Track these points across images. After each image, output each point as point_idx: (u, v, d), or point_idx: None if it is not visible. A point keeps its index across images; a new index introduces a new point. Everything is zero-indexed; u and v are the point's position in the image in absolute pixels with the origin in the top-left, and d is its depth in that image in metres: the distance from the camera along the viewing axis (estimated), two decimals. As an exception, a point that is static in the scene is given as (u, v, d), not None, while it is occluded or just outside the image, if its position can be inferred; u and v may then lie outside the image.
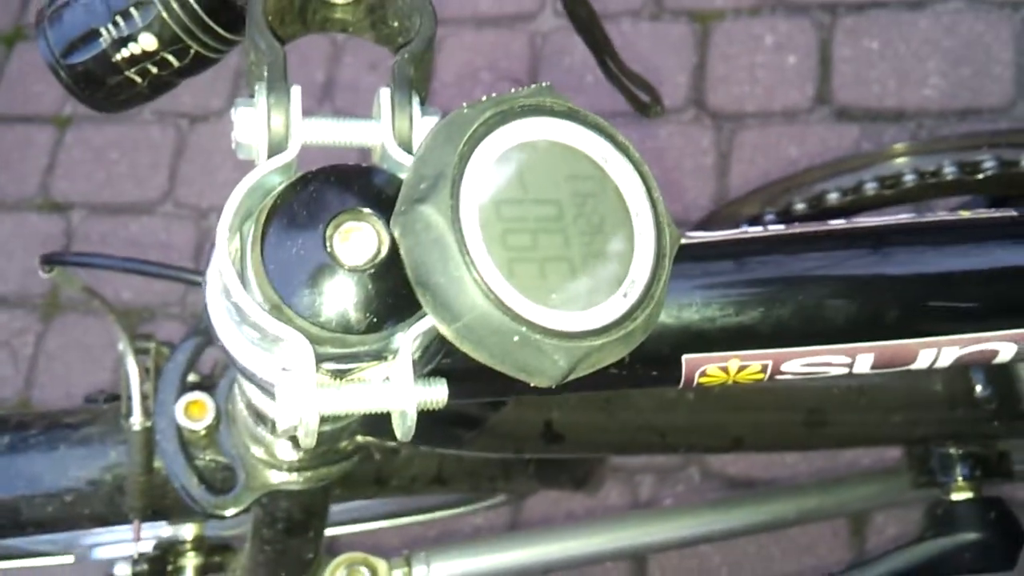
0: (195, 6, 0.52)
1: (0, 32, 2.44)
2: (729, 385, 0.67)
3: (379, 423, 0.60)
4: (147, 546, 0.91)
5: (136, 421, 0.73)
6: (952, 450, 0.79)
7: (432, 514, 1.53)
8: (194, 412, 0.67)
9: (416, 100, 0.45)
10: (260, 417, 0.59)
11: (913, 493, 0.83)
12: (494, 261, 0.38)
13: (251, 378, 0.44)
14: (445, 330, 0.39)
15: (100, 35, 0.52)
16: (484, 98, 0.41)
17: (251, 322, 0.41)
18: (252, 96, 0.44)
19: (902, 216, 0.52)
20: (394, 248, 0.40)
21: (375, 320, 0.41)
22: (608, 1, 2.04)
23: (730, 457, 1.67)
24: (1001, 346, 0.49)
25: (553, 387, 0.40)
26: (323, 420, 0.49)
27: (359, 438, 0.67)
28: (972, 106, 1.82)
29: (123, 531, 1.01)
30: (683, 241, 0.49)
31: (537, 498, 1.72)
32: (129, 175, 2.22)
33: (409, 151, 0.44)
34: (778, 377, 0.49)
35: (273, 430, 0.60)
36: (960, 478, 0.79)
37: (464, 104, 0.41)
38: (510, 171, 0.40)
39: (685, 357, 0.49)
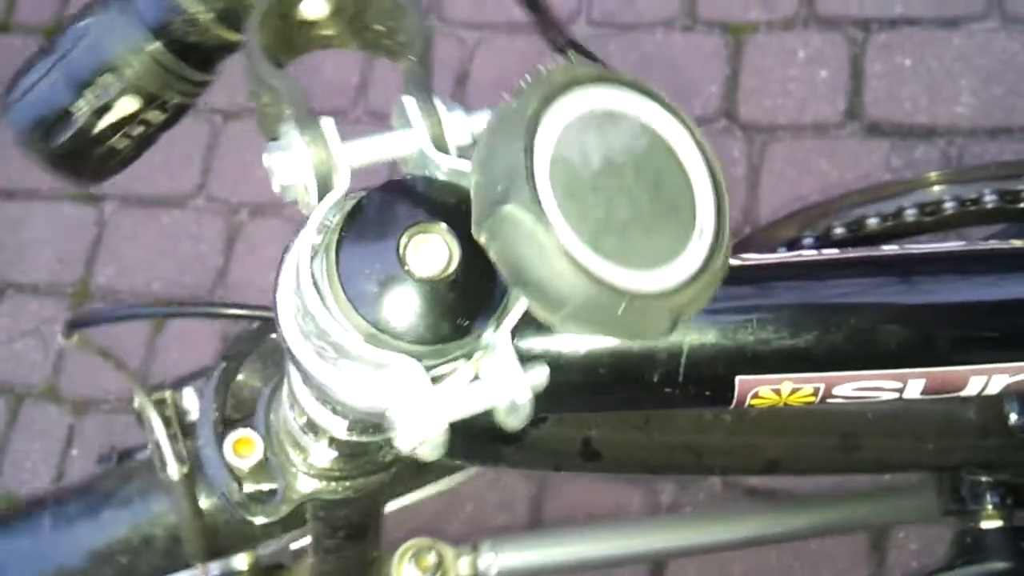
0: (165, 58, 0.51)
1: (41, 24, 2.46)
2: (767, 408, 0.68)
3: None
4: None
5: (174, 470, 0.73)
6: (983, 478, 0.80)
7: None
8: (242, 449, 0.68)
9: (438, 100, 0.46)
10: (312, 428, 0.60)
11: (941, 517, 0.84)
12: (583, 242, 0.39)
13: (355, 411, 0.45)
14: (552, 318, 0.40)
15: (73, 112, 0.52)
16: (522, 85, 0.41)
17: (354, 356, 0.41)
18: (277, 139, 0.44)
19: (954, 244, 0.53)
20: (466, 253, 0.41)
21: (466, 323, 0.42)
22: (642, 12, 2.06)
23: (752, 468, 1.68)
24: None
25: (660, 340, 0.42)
26: (367, 432, 0.51)
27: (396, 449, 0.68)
28: (1003, 125, 1.83)
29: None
30: (738, 263, 0.51)
31: (556, 499, 1.74)
32: (162, 168, 2.24)
33: (446, 151, 0.45)
34: (829, 400, 0.50)
35: (318, 437, 0.61)
36: (991, 506, 0.80)
37: (506, 97, 0.42)
38: (570, 150, 0.41)
39: (739, 378, 0.49)
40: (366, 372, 0.43)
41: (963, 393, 0.51)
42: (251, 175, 2.15)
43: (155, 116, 0.52)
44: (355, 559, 0.78)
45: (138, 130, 0.52)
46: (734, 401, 0.50)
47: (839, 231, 0.84)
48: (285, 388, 0.63)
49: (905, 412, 0.75)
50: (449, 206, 0.42)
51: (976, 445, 0.77)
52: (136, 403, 0.74)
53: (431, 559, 0.80)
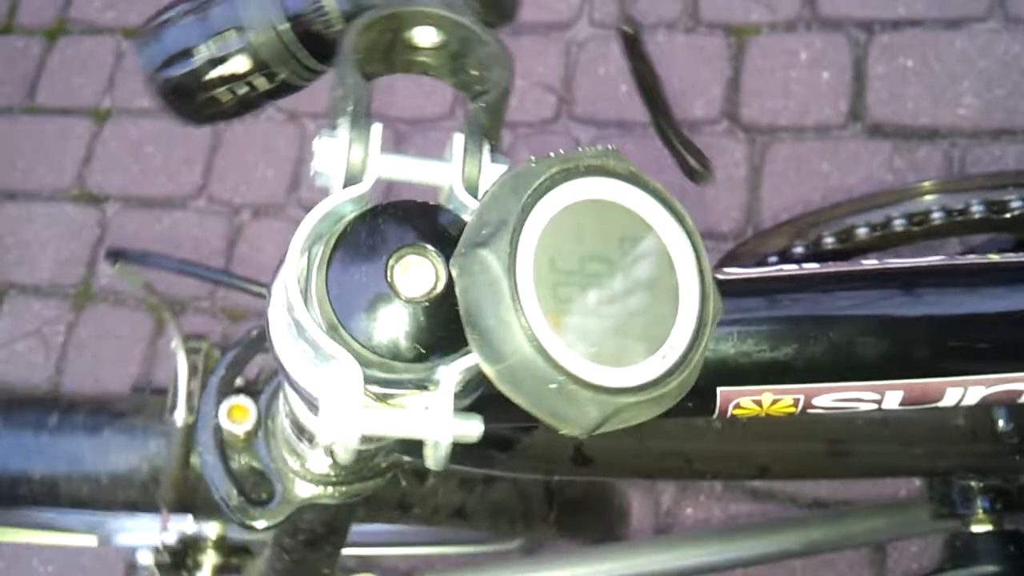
0: (288, 36, 0.54)
1: (42, 26, 2.47)
2: (758, 416, 0.68)
3: (415, 444, 0.62)
4: (171, 538, 0.93)
5: (179, 417, 0.76)
6: (973, 483, 0.80)
7: (446, 548, 1.55)
8: (236, 415, 0.69)
9: (487, 148, 0.47)
10: (300, 430, 0.60)
11: (933, 525, 0.84)
12: (542, 310, 0.40)
13: (299, 391, 0.46)
14: (488, 370, 0.41)
15: (194, 54, 0.54)
16: (552, 154, 0.43)
17: (308, 338, 0.43)
18: (334, 128, 0.46)
19: (933, 258, 0.53)
20: (449, 285, 0.42)
21: (423, 351, 0.43)
22: (644, 13, 2.05)
23: (752, 471, 1.68)
24: None
25: (581, 437, 0.41)
26: (362, 439, 0.51)
27: (394, 456, 0.68)
28: (1006, 127, 1.82)
29: (148, 521, 1.03)
30: (721, 277, 0.51)
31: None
32: (164, 169, 2.25)
33: (475, 195, 0.46)
34: (809, 411, 0.50)
35: (312, 444, 0.61)
36: (980, 511, 0.80)
37: (532, 158, 0.43)
38: (568, 226, 0.42)
39: (720, 389, 0.50)
40: (316, 359, 0.44)
41: (941, 404, 0.51)
42: (252, 177, 2.15)
43: (261, 83, 0.54)
44: (308, 567, 0.79)
45: (243, 90, 0.54)
46: (716, 411, 0.50)
47: (829, 240, 0.84)
48: (281, 395, 0.63)
49: (894, 419, 0.75)
50: (451, 240, 0.43)
51: (965, 451, 0.77)
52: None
53: None
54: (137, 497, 0.79)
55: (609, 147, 0.44)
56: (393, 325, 0.43)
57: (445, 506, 0.90)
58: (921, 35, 1.91)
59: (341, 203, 0.44)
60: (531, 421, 0.42)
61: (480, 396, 0.46)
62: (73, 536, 1.29)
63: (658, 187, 0.44)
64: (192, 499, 0.78)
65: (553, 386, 0.40)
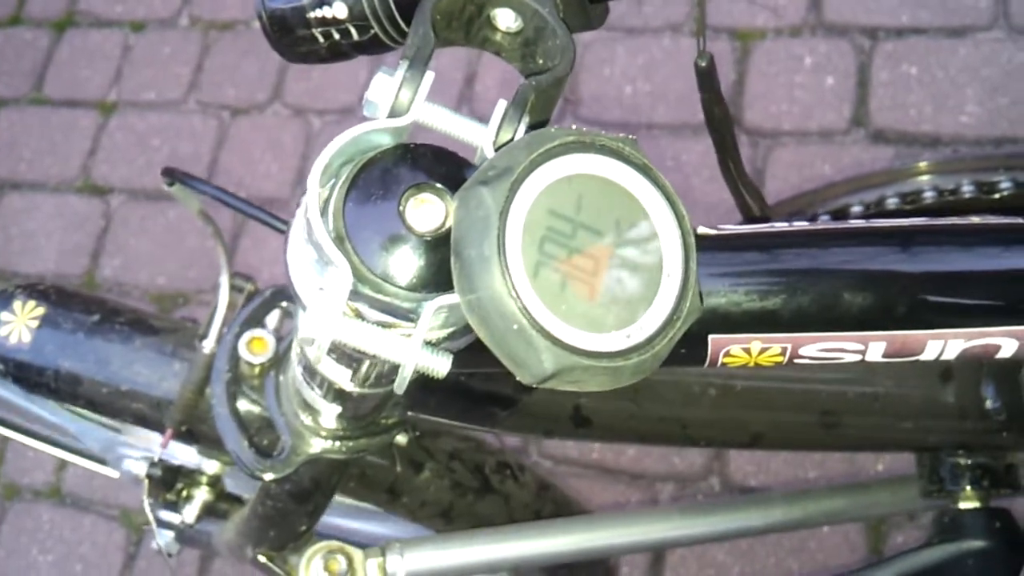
0: None
1: (51, 18, 2.49)
2: (750, 383, 0.69)
3: (422, 400, 0.64)
4: (169, 458, 0.95)
5: (207, 345, 0.78)
6: (962, 460, 0.80)
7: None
8: (255, 347, 0.71)
9: (526, 121, 0.50)
10: (312, 375, 0.61)
11: (923, 502, 0.84)
12: (523, 257, 0.42)
13: (293, 287, 0.49)
14: (460, 299, 0.43)
15: None
16: (574, 126, 0.45)
17: (314, 240, 0.46)
18: (395, 68, 0.49)
19: (917, 219, 0.55)
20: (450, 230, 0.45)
21: (414, 282, 0.46)
22: (650, 16, 2.06)
23: (751, 468, 1.68)
24: (1004, 341, 0.52)
25: (533, 385, 0.44)
26: (369, 383, 0.55)
27: (397, 413, 0.69)
28: (1008, 135, 1.83)
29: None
30: (715, 232, 0.54)
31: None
32: (169, 162, 2.24)
33: None
34: (796, 361, 0.52)
35: (324, 390, 0.62)
36: (968, 487, 0.80)
37: (554, 126, 0.46)
38: (570, 194, 0.44)
39: (711, 337, 0.52)
40: (317, 263, 0.48)
41: (922, 357, 0.53)
42: (257, 171, 2.16)
43: (354, 34, 0.57)
44: (287, 519, 0.80)
45: (335, 35, 0.57)
46: (707, 359, 0.52)
47: (824, 219, 0.85)
48: (295, 346, 0.64)
49: (884, 393, 0.76)
50: (461, 184, 0.46)
51: (954, 427, 0.78)
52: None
53: (340, 563, 0.80)
54: (149, 413, 0.81)
55: (630, 136, 0.46)
56: (393, 251, 0.46)
57: (433, 503, 0.91)
58: (925, 43, 1.92)
59: (380, 130, 0.48)
60: (497, 367, 0.44)
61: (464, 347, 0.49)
62: (88, 461, 1.31)
63: (666, 184, 0.46)
64: (199, 430, 0.80)
65: (515, 327, 0.42)
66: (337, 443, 0.69)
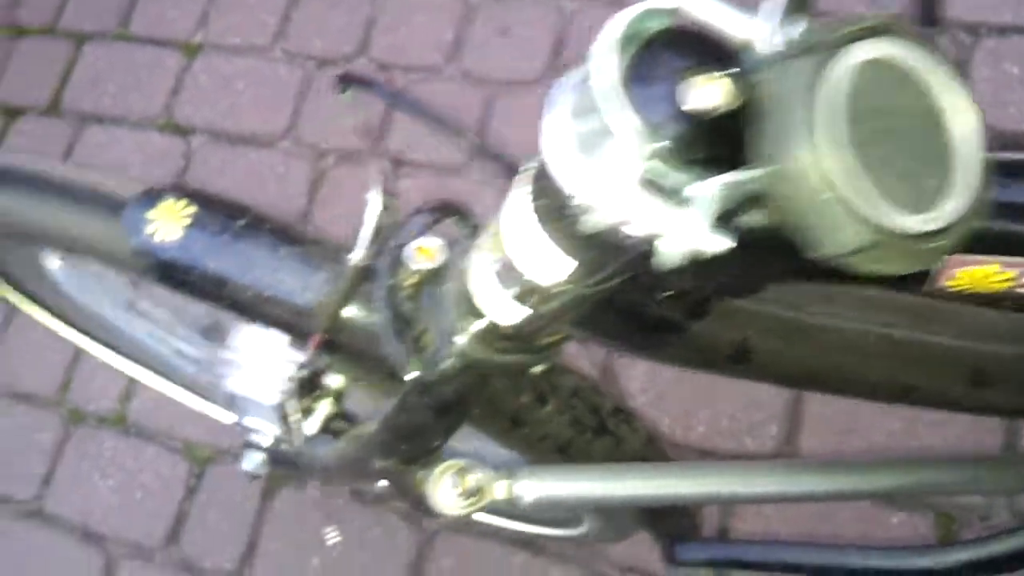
0: None
1: (85, 30, 2.50)
2: (909, 334, 0.68)
3: (590, 321, 0.63)
4: (313, 362, 0.95)
5: (355, 256, 0.77)
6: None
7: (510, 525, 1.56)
8: (424, 254, 0.71)
9: (800, 27, 0.49)
10: (508, 272, 0.61)
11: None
12: (833, 128, 0.43)
13: (562, 176, 0.49)
14: (765, 170, 0.44)
15: None
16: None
17: (597, 106, 0.46)
18: None
19: None
20: (737, 108, 0.45)
21: (698, 159, 0.46)
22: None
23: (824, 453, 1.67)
24: None
25: (830, 260, 0.44)
26: (552, 299, 0.55)
27: (556, 337, 0.68)
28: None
29: (268, 418, 1.04)
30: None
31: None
32: (252, 107, 2.26)
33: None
34: (1019, 289, 0.51)
35: (510, 283, 0.62)
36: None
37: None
38: (878, 75, 0.44)
39: (947, 258, 0.52)
40: (587, 146, 0.48)
41: None
42: (340, 123, 2.16)
43: None
44: (423, 434, 0.80)
45: None
46: (931, 282, 0.52)
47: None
48: (484, 244, 0.63)
49: None
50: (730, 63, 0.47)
51: None
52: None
53: (470, 480, 0.80)
54: (289, 319, 0.82)
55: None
56: (678, 129, 0.46)
57: (553, 437, 0.91)
58: (1028, 43, 1.91)
59: (656, 9, 0.48)
60: (722, 275, 0.44)
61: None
62: (213, 407, 1.33)
63: (964, 83, 0.47)
64: (337, 340, 0.80)
65: (826, 197, 0.42)
66: (498, 355, 0.69)
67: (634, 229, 0.48)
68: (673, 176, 0.46)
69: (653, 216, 0.47)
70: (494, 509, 1.49)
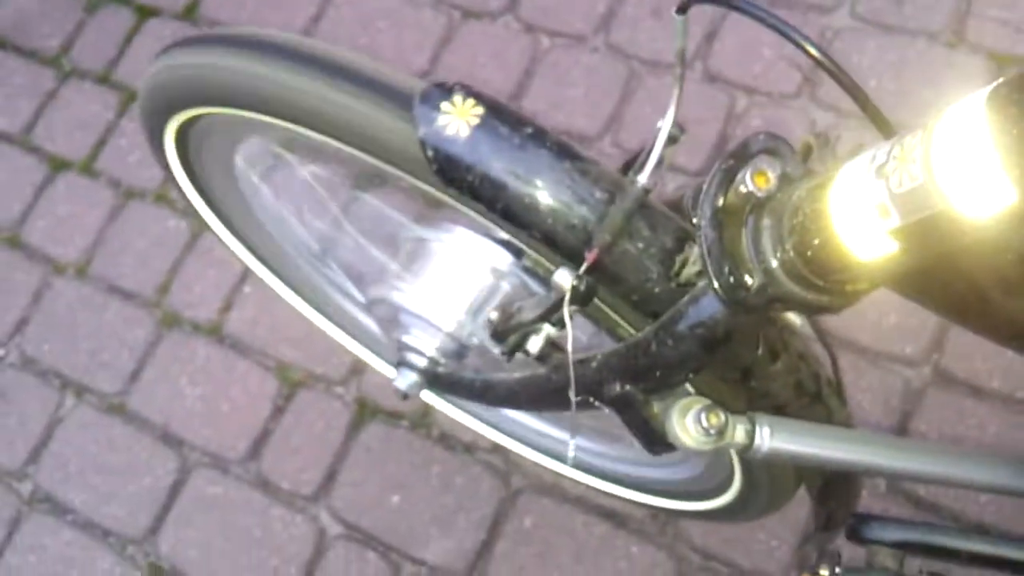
0: None
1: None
2: None
3: (902, 275, 0.62)
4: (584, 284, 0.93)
5: (641, 178, 0.78)
6: None
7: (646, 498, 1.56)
8: (759, 180, 0.71)
9: None
10: (904, 205, 0.60)
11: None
12: None
13: None
14: None
15: None
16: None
17: None
18: None
19: None
20: None
21: None
22: (908, 17, 2.05)
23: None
24: None
25: None
26: None
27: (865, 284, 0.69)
28: None
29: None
30: None
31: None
32: (392, 47, 2.27)
33: None
34: None
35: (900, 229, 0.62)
36: None
37: None
38: None
39: None
40: None
41: None
42: (477, 75, 2.16)
43: None
44: (682, 363, 0.80)
45: None
46: None
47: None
48: (869, 172, 0.62)
49: None
50: None
51: None
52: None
53: (715, 419, 0.80)
54: (560, 233, 0.81)
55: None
56: None
57: (774, 396, 0.91)
58: None
59: None
60: None
61: None
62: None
63: None
64: (603, 263, 0.80)
65: None
66: (806, 291, 0.69)
67: None
68: None
69: None
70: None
